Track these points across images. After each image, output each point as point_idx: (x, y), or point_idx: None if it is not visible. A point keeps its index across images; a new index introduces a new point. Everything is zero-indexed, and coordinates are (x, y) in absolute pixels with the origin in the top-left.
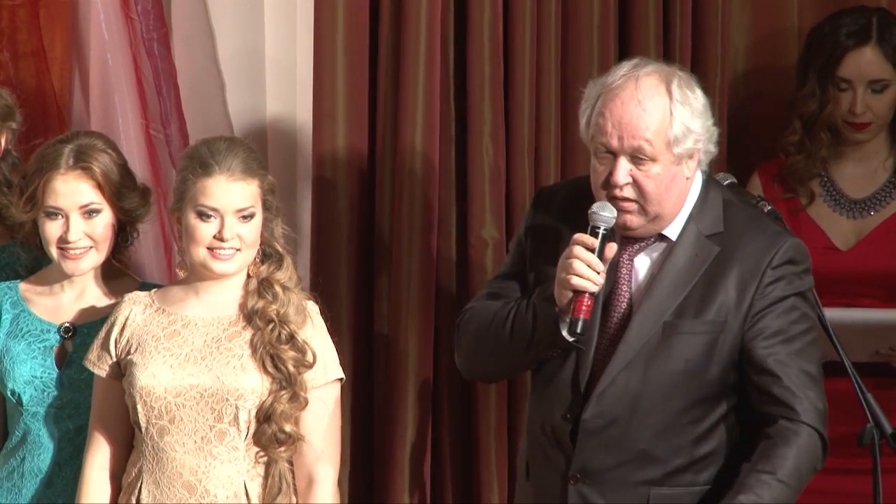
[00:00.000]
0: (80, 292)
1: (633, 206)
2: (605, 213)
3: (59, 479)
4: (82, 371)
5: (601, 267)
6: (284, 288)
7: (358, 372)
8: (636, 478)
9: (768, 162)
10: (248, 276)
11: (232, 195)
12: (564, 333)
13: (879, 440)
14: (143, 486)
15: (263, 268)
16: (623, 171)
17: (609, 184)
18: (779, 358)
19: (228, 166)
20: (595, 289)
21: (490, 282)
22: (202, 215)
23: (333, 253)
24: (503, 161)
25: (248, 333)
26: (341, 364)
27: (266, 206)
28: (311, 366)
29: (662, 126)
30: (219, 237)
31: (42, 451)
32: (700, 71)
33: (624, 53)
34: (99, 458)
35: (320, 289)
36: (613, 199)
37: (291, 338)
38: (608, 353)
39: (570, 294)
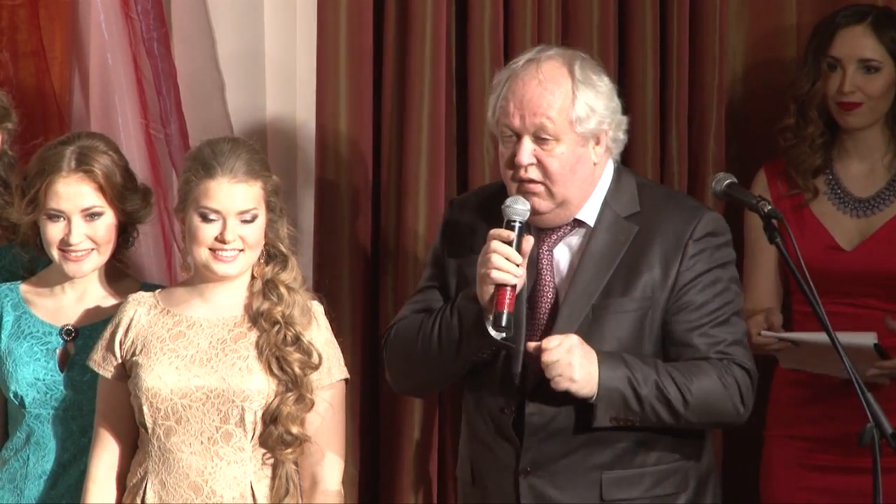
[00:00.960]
0: (82, 294)
1: (538, 187)
2: (518, 206)
3: (62, 480)
4: (85, 373)
5: (519, 259)
6: (289, 289)
7: (363, 373)
8: (587, 463)
9: (774, 160)
10: (253, 277)
11: (234, 197)
12: (490, 329)
13: (879, 440)
14: (149, 486)
15: (268, 269)
16: (526, 150)
17: (514, 164)
18: (703, 331)
19: (231, 168)
20: (515, 281)
21: (412, 296)
22: (204, 217)
23: (336, 253)
24: None
25: (253, 335)
26: (347, 365)
27: (270, 208)
28: (316, 367)
29: (564, 105)
30: (221, 239)
31: (46, 453)
32: (698, 70)
33: (623, 53)
34: (105, 458)
35: (325, 290)
36: (520, 183)
37: (297, 339)
38: None
39: (492, 289)
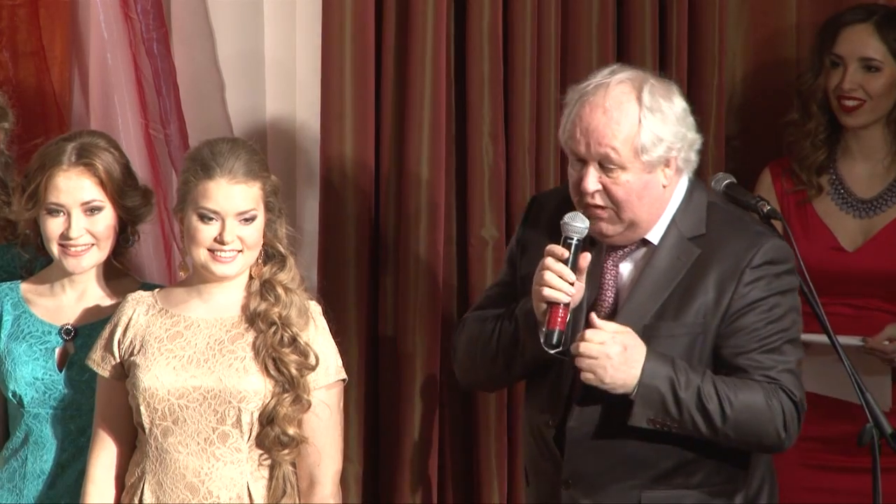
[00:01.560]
0: (82, 293)
1: (606, 213)
2: (576, 224)
3: (61, 480)
4: (84, 372)
5: (572, 277)
6: (287, 289)
7: (364, 372)
8: (627, 482)
9: (778, 159)
10: (251, 278)
11: (233, 198)
12: (542, 345)
13: (879, 440)
14: (146, 486)
15: (266, 269)
16: (592, 178)
17: (580, 190)
18: (751, 356)
19: (230, 169)
20: (567, 299)
21: (487, 290)
22: (203, 218)
23: (341, 254)
24: (503, 161)
25: (250, 335)
26: (347, 365)
27: (268, 208)
28: (313, 368)
29: (630, 134)
30: (219, 240)
31: (44, 453)
32: (697, 70)
33: (622, 53)
34: (104, 458)
35: (325, 290)
36: (586, 207)
37: (294, 341)
38: None
39: (545, 306)
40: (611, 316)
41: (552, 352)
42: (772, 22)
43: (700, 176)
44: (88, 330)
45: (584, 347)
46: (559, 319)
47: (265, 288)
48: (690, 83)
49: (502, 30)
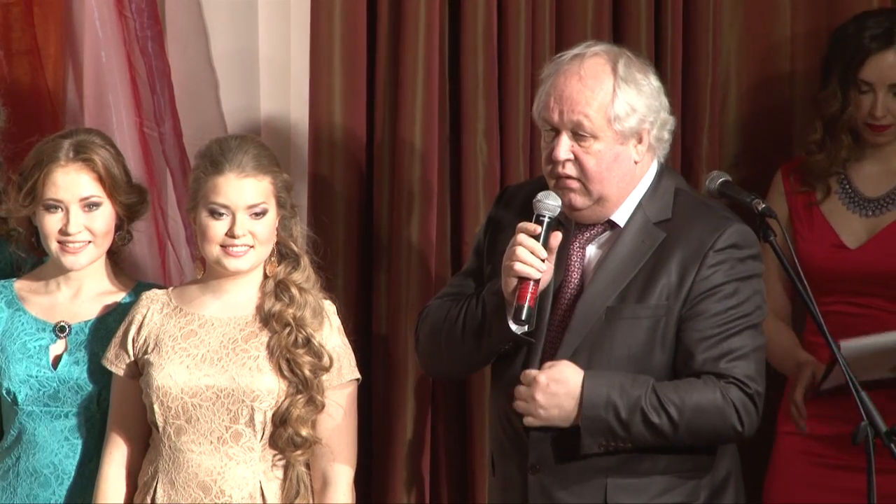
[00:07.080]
0: (76, 291)
1: (575, 184)
2: (549, 202)
3: (54, 478)
4: (77, 370)
5: (544, 254)
6: (301, 289)
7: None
8: (592, 466)
9: (790, 161)
10: (265, 277)
11: (242, 191)
12: (511, 323)
13: (873, 438)
14: (159, 485)
15: (280, 268)
16: (564, 146)
17: (551, 159)
18: (710, 343)
19: (238, 163)
20: (538, 275)
21: (451, 280)
22: (214, 213)
23: (330, 252)
24: (497, 159)
25: (264, 335)
26: None
27: (280, 204)
28: (327, 369)
29: (603, 102)
30: (230, 234)
31: (37, 451)
32: (691, 68)
33: None
34: (117, 456)
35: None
36: (558, 179)
37: (308, 342)
38: (556, 341)
39: (515, 282)
40: (576, 298)
41: (519, 331)
42: (766, 21)
43: (693, 174)
44: (83, 328)
45: (515, 392)
46: (529, 295)
47: (279, 288)
48: (685, 82)
49: (497, 28)
